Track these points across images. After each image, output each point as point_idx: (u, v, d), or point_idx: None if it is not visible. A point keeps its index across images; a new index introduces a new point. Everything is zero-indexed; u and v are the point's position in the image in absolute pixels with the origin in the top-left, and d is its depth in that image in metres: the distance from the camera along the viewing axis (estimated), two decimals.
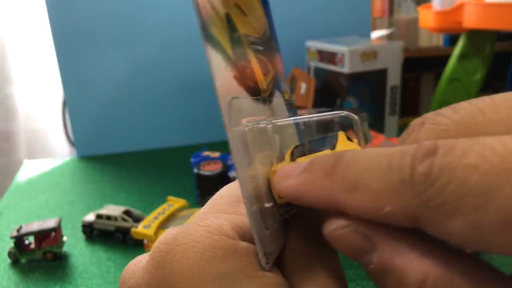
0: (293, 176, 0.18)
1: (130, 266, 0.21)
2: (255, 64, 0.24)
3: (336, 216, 0.17)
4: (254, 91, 0.23)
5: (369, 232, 0.16)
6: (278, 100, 0.26)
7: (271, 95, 0.25)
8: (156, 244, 0.20)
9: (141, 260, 0.21)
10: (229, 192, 0.23)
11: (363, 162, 0.16)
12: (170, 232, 0.21)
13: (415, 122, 0.18)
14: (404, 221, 0.15)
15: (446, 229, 0.14)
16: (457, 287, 0.14)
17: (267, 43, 0.26)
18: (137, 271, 0.21)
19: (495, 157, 0.13)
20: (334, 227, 0.17)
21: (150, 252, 0.20)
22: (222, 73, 0.20)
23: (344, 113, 0.21)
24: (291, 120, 0.23)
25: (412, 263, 0.15)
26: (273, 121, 0.22)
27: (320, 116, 0.22)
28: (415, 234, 0.16)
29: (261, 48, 0.25)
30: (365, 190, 0.16)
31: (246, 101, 0.22)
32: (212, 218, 0.21)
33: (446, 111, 0.17)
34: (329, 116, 0.21)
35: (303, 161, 0.21)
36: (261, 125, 0.22)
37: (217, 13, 0.20)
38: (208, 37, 0.19)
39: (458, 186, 0.14)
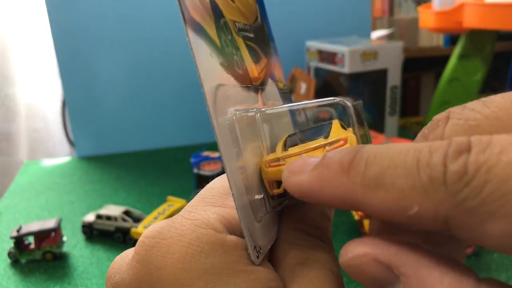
0: (305, 171, 0.17)
1: (117, 260, 0.21)
2: (244, 51, 0.23)
3: (353, 243, 0.15)
4: (244, 79, 0.22)
5: (391, 262, 0.15)
6: (272, 89, 0.25)
7: (263, 83, 0.24)
8: (141, 238, 0.20)
9: (127, 255, 0.20)
10: (218, 184, 0.22)
11: (386, 157, 0.15)
12: (156, 226, 0.20)
13: (439, 116, 0.16)
14: (432, 223, 0.14)
15: (481, 233, 0.13)
16: None
17: (259, 31, 0.25)
18: (123, 266, 0.20)
19: None
20: (350, 257, 0.15)
21: (135, 247, 0.20)
22: (206, 60, 0.19)
23: (336, 99, 0.20)
24: (280, 108, 0.22)
25: None
26: (263, 109, 0.21)
27: (312, 103, 0.21)
28: (441, 256, 0.14)
29: (251, 35, 0.24)
30: (390, 188, 0.14)
31: (234, 89, 0.21)
32: (199, 211, 0.20)
33: (475, 105, 0.15)
34: (321, 103, 0.21)
35: (295, 151, 0.20)
36: (250, 114, 0.21)
37: None
38: (190, 22, 0.18)
39: (497, 186, 0.12)
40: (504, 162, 0.12)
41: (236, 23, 0.22)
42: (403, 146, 0.15)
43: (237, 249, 0.19)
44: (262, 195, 0.20)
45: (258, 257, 0.19)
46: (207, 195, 0.21)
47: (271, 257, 0.20)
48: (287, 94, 0.28)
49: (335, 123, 0.21)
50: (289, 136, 0.21)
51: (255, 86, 0.23)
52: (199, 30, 0.19)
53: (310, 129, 0.21)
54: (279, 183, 0.20)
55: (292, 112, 0.25)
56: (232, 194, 0.18)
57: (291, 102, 0.28)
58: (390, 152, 0.15)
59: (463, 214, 0.13)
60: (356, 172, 0.15)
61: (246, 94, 0.22)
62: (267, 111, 0.21)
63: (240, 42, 0.22)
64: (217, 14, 0.21)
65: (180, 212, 0.20)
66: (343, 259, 0.16)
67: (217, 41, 0.20)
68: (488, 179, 0.12)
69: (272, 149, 0.21)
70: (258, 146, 0.21)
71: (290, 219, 0.22)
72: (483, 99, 0.16)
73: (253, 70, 0.23)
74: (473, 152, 0.13)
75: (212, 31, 0.20)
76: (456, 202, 0.13)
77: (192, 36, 0.18)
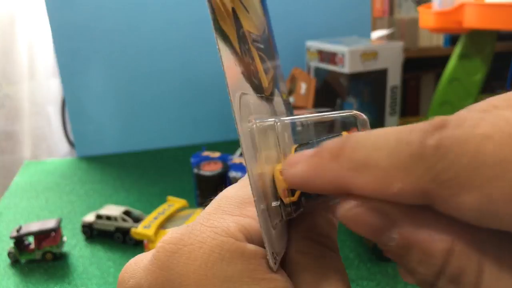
0: (301, 161, 0.18)
1: (130, 265, 0.21)
2: (258, 62, 0.23)
3: (349, 198, 0.16)
4: (258, 89, 0.23)
5: (385, 208, 0.16)
6: (277, 99, 0.26)
7: (272, 94, 0.25)
8: (160, 243, 0.20)
9: (142, 260, 0.20)
10: (233, 193, 0.22)
11: (370, 141, 0.16)
12: (175, 232, 0.20)
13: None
14: (415, 198, 0.15)
15: (459, 204, 0.14)
16: (487, 254, 0.14)
17: (266, 42, 0.26)
18: (138, 271, 0.20)
19: (509, 126, 0.13)
20: (348, 207, 0.16)
21: (153, 252, 0.20)
22: (232, 68, 0.19)
23: (353, 112, 0.21)
24: (299, 118, 0.23)
25: (437, 233, 0.15)
26: (282, 118, 0.22)
27: (330, 114, 0.22)
28: (430, 210, 0.15)
29: (262, 46, 0.24)
30: (373, 168, 0.15)
31: (252, 97, 0.21)
32: (218, 219, 0.20)
33: (462, 110, 0.16)
34: (337, 115, 0.21)
35: None
36: (269, 123, 0.21)
37: (225, 7, 0.20)
38: (218, 30, 0.19)
39: (471, 157, 0.13)
40: (476, 135, 0.13)
41: (250, 33, 0.23)
42: (387, 130, 0.16)
43: (257, 258, 0.19)
44: (278, 202, 0.20)
45: (275, 264, 0.19)
46: (223, 204, 0.21)
47: (282, 266, 0.20)
48: (288, 105, 0.29)
49: (345, 135, 0.21)
50: (300, 145, 0.22)
51: (266, 96, 0.24)
52: (226, 39, 0.19)
53: (321, 140, 0.21)
54: (293, 191, 0.21)
55: (292, 123, 0.25)
56: (254, 200, 0.18)
57: (292, 113, 0.28)
58: (374, 136, 0.16)
59: (440, 187, 0.14)
60: (343, 158, 0.16)
61: (260, 104, 0.23)
62: (285, 121, 0.22)
63: (255, 53, 0.23)
64: (237, 23, 0.21)
65: (197, 219, 0.20)
66: (341, 212, 0.17)
67: (239, 51, 0.21)
68: (462, 152, 0.13)
69: (284, 158, 0.22)
70: (269, 155, 0.21)
71: (299, 228, 0.22)
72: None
73: (265, 80, 0.24)
74: (449, 127, 0.14)
75: (235, 40, 0.20)
76: (434, 175, 0.14)
77: (221, 45, 0.19)
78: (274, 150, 0.22)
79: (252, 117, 0.20)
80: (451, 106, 0.97)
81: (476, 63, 0.94)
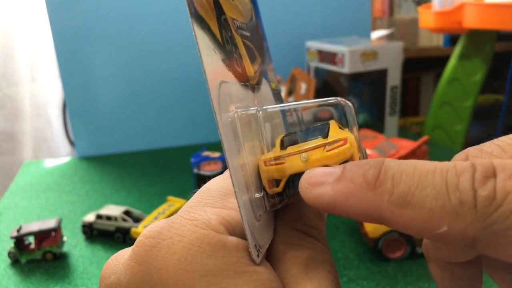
0: (327, 183, 0.17)
1: (111, 261, 0.20)
2: (242, 49, 0.23)
3: None
4: (242, 77, 0.22)
5: None
6: (266, 88, 0.25)
7: (258, 83, 0.24)
8: (139, 238, 0.19)
9: (123, 255, 0.20)
10: (216, 185, 0.21)
11: (413, 176, 0.15)
12: (155, 226, 0.19)
13: (457, 158, 0.17)
14: (459, 241, 0.15)
15: (509, 252, 0.14)
16: None
17: (254, 30, 0.25)
18: (119, 266, 0.20)
19: None
20: None
21: (133, 247, 0.19)
22: (210, 55, 0.19)
23: (337, 99, 0.20)
24: (283, 106, 0.22)
25: None
26: (264, 107, 0.21)
27: (312, 102, 0.21)
28: None
29: (247, 34, 0.24)
30: (419, 207, 0.15)
31: (234, 86, 0.21)
32: (199, 211, 0.20)
33: (492, 148, 0.16)
34: (322, 103, 0.21)
35: (294, 150, 0.20)
36: (251, 112, 0.21)
37: None
38: (195, 16, 0.18)
39: None
40: None
41: (235, 21, 0.22)
42: (429, 166, 0.15)
43: (238, 250, 0.18)
44: (262, 194, 0.20)
45: (258, 256, 0.19)
46: (205, 196, 0.21)
47: (268, 257, 0.20)
48: (278, 95, 0.28)
49: (333, 124, 0.20)
50: (286, 135, 0.21)
51: (252, 85, 0.23)
52: (204, 25, 0.19)
53: (307, 129, 0.21)
54: (277, 181, 0.20)
55: (283, 113, 0.25)
56: (235, 191, 0.18)
57: (282, 101, 0.28)
58: (417, 171, 0.15)
59: (492, 236, 0.14)
60: (383, 189, 0.16)
61: (244, 92, 0.22)
62: (268, 110, 0.21)
63: (239, 40, 0.22)
64: (218, 10, 0.20)
65: (179, 212, 0.20)
66: None
67: (219, 38, 0.20)
68: None
69: (268, 147, 0.21)
70: (254, 145, 0.21)
71: (286, 219, 0.21)
72: (496, 141, 0.17)
73: (250, 68, 0.23)
74: (500, 178, 0.14)
75: (214, 27, 0.20)
76: (486, 225, 0.14)
77: (198, 31, 0.18)
78: (259, 140, 0.21)
79: (233, 106, 0.20)
80: (451, 106, 0.97)
81: (475, 63, 0.94)
